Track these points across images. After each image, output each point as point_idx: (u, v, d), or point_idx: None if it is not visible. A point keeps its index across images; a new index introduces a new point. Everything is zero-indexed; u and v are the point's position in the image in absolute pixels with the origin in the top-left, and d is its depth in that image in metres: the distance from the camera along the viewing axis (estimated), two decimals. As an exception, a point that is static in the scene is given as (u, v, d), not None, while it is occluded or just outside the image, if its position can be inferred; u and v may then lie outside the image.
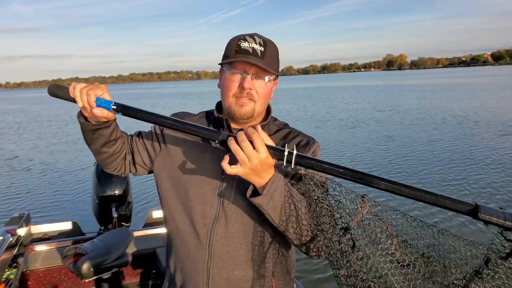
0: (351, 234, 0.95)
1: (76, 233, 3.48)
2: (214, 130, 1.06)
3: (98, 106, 1.13)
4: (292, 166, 0.96)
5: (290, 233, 1.08)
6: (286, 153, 0.96)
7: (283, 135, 1.30)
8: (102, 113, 1.14)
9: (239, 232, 1.21)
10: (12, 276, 2.56)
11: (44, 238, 3.30)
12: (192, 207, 1.24)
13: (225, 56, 1.24)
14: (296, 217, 1.06)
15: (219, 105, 1.33)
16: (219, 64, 1.28)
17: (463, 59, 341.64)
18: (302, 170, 0.99)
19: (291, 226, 1.06)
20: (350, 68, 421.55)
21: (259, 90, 1.21)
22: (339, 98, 32.87)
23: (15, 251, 2.79)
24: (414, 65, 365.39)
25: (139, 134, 1.41)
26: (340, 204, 0.97)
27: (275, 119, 1.36)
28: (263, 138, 0.97)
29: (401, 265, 0.91)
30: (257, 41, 1.20)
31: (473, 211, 0.83)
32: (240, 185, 1.19)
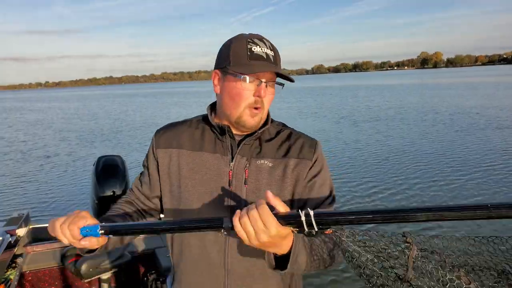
0: (410, 281, 0.82)
1: None
2: (215, 220, 0.95)
3: (85, 236, 1.02)
4: (316, 229, 0.85)
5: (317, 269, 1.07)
6: (303, 218, 0.84)
7: (285, 137, 1.24)
8: (91, 243, 1.02)
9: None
10: (11, 277, 2.55)
11: (44, 238, 3.28)
12: None
13: (234, 61, 1.13)
14: (321, 261, 1.04)
15: (212, 110, 1.25)
16: (222, 68, 1.17)
17: (504, 56, 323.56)
18: (330, 230, 0.89)
19: (317, 267, 1.06)
20: (383, 66, 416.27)
21: (270, 97, 1.17)
22: (357, 97, 33.02)
23: (14, 251, 2.79)
24: (451, 63, 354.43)
25: (140, 182, 1.33)
26: (383, 253, 0.85)
27: (272, 120, 1.28)
28: (274, 204, 0.89)
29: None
30: (267, 45, 1.15)
31: None
32: (251, 194, 1.16)
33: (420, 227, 4.79)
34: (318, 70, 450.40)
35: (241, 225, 0.89)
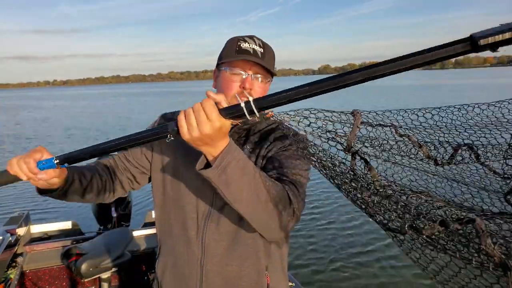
0: (357, 151, 0.80)
1: (75, 232, 3.48)
2: (160, 127, 0.94)
3: (42, 169, 1.04)
4: (257, 115, 0.86)
5: (245, 213, 0.99)
6: (242, 104, 0.85)
7: (271, 129, 1.28)
8: (49, 175, 1.04)
9: (231, 226, 1.20)
10: (11, 276, 2.57)
11: (44, 238, 3.30)
12: (187, 203, 1.23)
13: (224, 57, 1.23)
14: (255, 196, 0.95)
15: None
16: (217, 66, 1.27)
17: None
18: (271, 113, 0.90)
19: (247, 206, 0.97)
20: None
21: (258, 90, 1.21)
22: (361, 98, 32.98)
23: (14, 250, 2.80)
24: (459, 64, 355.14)
25: (125, 152, 1.37)
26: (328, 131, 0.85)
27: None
28: (218, 100, 0.88)
29: (435, 163, 0.74)
30: (257, 43, 1.22)
31: (472, 44, 0.66)
32: None
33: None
34: (324, 70, 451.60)
35: (185, 118, 0.88)
